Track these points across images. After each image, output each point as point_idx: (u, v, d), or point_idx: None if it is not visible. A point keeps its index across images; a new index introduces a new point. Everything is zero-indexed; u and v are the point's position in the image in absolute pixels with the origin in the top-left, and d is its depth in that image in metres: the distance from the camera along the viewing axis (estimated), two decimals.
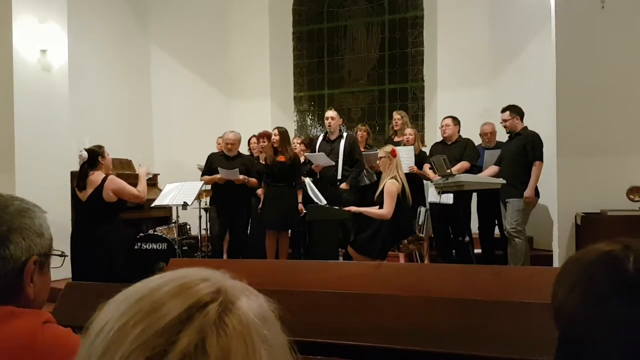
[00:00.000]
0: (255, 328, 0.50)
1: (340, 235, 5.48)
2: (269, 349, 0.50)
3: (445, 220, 5.70)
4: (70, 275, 3.90)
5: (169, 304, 0.49)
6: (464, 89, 7.30)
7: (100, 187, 4.14)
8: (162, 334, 0.47)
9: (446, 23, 7.63)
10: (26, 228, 1.05)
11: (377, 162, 5.02)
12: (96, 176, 4.18)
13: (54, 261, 1.14)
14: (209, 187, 6.16)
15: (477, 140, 6.11)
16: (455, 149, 5.80)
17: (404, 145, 6.08)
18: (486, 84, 7.23)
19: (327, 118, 6.03)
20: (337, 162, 5.87)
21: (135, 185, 4.48)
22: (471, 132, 6.12)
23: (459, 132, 5.92)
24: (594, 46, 4.87)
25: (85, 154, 4.21)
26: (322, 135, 6.22)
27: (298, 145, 6.45)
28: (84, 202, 4.20)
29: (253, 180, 5.88)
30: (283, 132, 5.86)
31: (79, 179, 4.24)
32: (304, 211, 5.64)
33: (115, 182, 4.21)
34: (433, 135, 7.29)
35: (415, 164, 5.87)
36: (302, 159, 6.16)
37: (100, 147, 4.32)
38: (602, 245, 0.89)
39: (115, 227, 4.30)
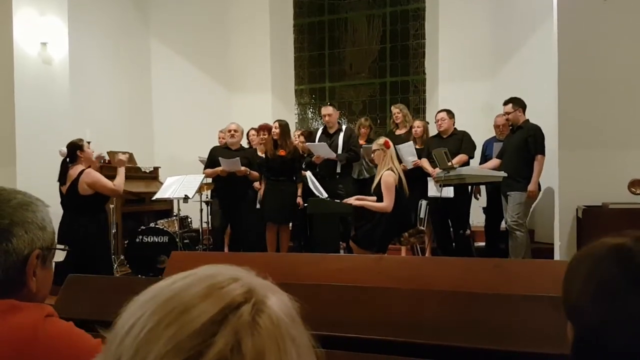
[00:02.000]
0: (285, 328, 0.51)
1: (341, 229, 5.48)
2: (297, 348, 0.51)
3: (446, 213, 5.70)
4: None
5: (201, 306, 0.48)
6: (465, 82, 7.28)
7: (76, 181, 4.16)
8: (196, 336, 0.46)
9: (448, 15, 7.60)
10: (29, 222, 1.05)
11: (372, 155, 5.00)
12: (74, 170, 4.20)
13: (56, 255, 1.14)
14: (209, 180, 6.16)
15: (479, 134, 6.10)
16: (452, 142, 5.78)
17: (413, 138, 6.08)
18: (488, 77, 7.21)
19: (324, 115, 6.01)
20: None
21: (139, 178, 4.49)
22: (472, 125, 6.11)
23: (454, 125, 5.91)
24: (596, 39, 4.85)
25: (64, 150, 4.24)
26: (321, 128, 6.20)
27: (297, 137, 6.43)
28: (65, 196, 4.25)
29: (255, 173, 5.87)
30: (284, 126, 5.84)
31: (60, 174, 4.29)
32: (302, 205, 5.65)
33: (91, 176, 4.20)
34: (434, 128, 7.27)
35: (423, 157, 5.87)
36: (301, 152, 6.16)
37: (80, 140, 4.33)
38: (611, 239, 0.87)
39: (92, 220, 4.28)
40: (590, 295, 0.82)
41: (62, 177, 4.27)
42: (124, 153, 4.66)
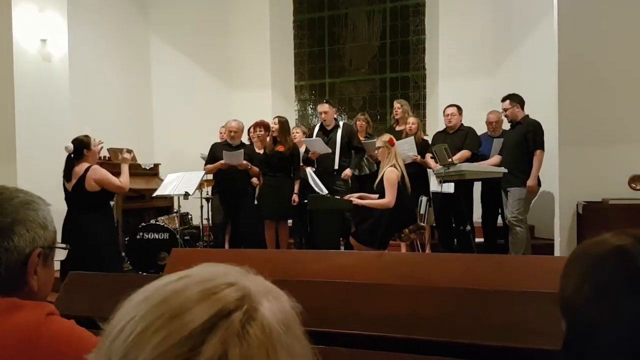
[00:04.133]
0: (278, 337, 0.49)
1: (340, 226, 5.48)
2: (291, 358, 0.50)
3: (448, 209, 5.71)
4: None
5: (193, 311, 0.47)
6: (465, 78, 7.27)
7: (83, 177, 4.16)
8: (184, 343, 0.46)
9: (448, 11, 7.59)
10: (30, 220, 1.05)
11: (376, 151, 5.00)
12: (80, 167, 4.19)
13: (58, 254, 1.15)
14: (210, 176, 6.16)
15: (478, 129, 6.09)
16: (457, 137, 5.78)
17: (406, 134, 6.06)
18: (488, 72, 7.20)
19: (321, 113, 6.00)
20: (334, 152, 5.84)
21: (139, 175, 4.49)
22: (472, 120, 6.10)
23: (461, 121, 5.91)
24: (596, 34, 4.84)
25: (71, 146, 4.23)
26: (318, 125, 6.19)
27: (297, 134, 6.42)
28: (70, 193, 4.23)
29: (255, 169, 5.87)
30: (283, 122, 5.84)
31: (65, 170, 4.27)
32: (297, 202, 5.65)
33: (98, 172, 4.20)
34: (434, 124, 7.28)
35: (418, 154, 5.86)
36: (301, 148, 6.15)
37: (87, 137, 4.31)
38: (612, 238, 0.87)
39: (101, 217, 4.28)
40: (587, 294, 0.83)
41: (68, 174, 4.25)
42: (128, 151, 4.65)
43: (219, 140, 6.43)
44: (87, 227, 4.13)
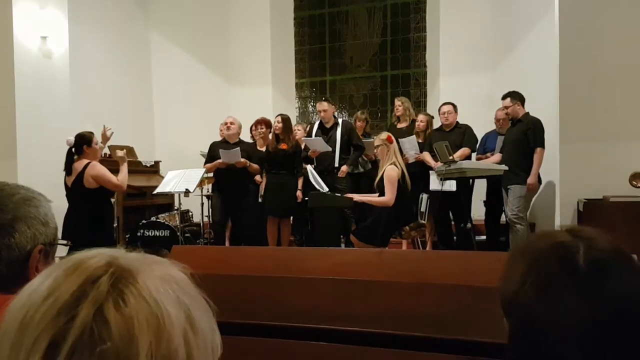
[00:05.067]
0: (155, 287, 0.51)
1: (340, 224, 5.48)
2: (176, 304, 0.51)
3: (447, 207, 5.70)
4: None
5: (63, 285, 0.50)
6: (466, 75, 7.26)
7: (81, 174, 4.15)
8: (60, 313, 0.48)
9: (449, 8, 7.58)
10: (31, 217, 1.05)
11: (375, 150, 5.00)
12: (79, 163, 4.18)
13: (59, 250, 1.15)
14: (210, 174, 6.16)
15: (479, 127, 6.09)
16: (455, 135, 5.78)
17: (416, 132, 6.06)
18: (489, 69, 7.19)
19: (320, 111, 6.00)
20: (334, 150, 5.84)
21: (140, 172, 4.47)
22: (473, 118, 6.10)
23: (456, 118, 5.92)
24: (597, 31, 4.84)
25: (71, 140, 4.21)
26: (317, 123, 6.18)
27: (298, 132, 6.42)
28: (70, 188, 4.22)
29: (255, 166, 5.87)
30: (286, 120, 5.83)
31: (66, 164, 4.26)
32: (301, 198, 5.65)
33: (96, 169, 4.18)
34: (436, 122, 7.28)
35: (424, 150, 5.86)
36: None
37: (90, 133, 4.29)
38: (552, 234, 0.87)
39: (97, 215, 4.25)
40: (528, 292, 0.82)
41: (68, 167, 4.23)
42: (121, 149, 4.63)
43: (219, 138, 6.42)
44: (85, 224, 4.11)
